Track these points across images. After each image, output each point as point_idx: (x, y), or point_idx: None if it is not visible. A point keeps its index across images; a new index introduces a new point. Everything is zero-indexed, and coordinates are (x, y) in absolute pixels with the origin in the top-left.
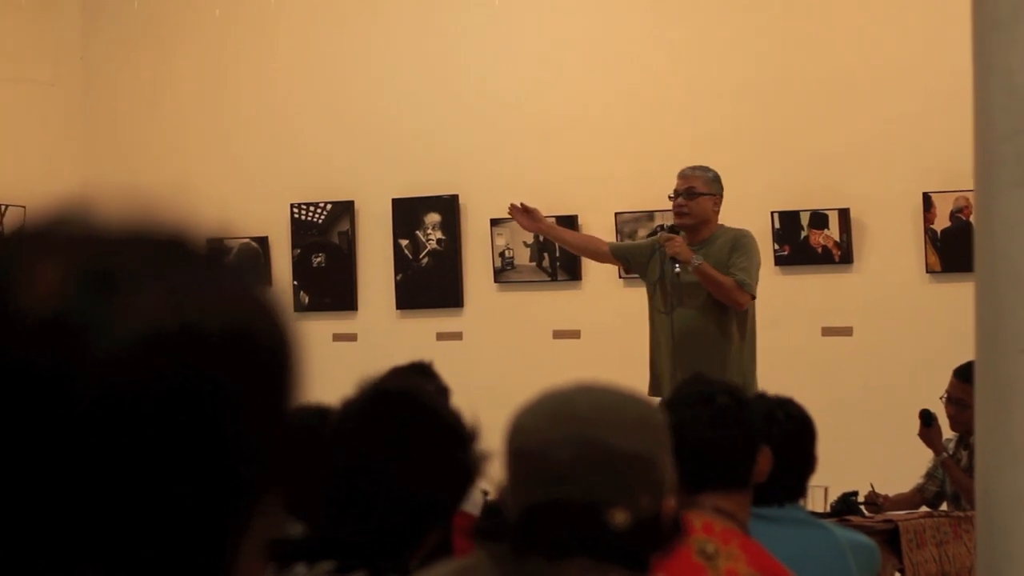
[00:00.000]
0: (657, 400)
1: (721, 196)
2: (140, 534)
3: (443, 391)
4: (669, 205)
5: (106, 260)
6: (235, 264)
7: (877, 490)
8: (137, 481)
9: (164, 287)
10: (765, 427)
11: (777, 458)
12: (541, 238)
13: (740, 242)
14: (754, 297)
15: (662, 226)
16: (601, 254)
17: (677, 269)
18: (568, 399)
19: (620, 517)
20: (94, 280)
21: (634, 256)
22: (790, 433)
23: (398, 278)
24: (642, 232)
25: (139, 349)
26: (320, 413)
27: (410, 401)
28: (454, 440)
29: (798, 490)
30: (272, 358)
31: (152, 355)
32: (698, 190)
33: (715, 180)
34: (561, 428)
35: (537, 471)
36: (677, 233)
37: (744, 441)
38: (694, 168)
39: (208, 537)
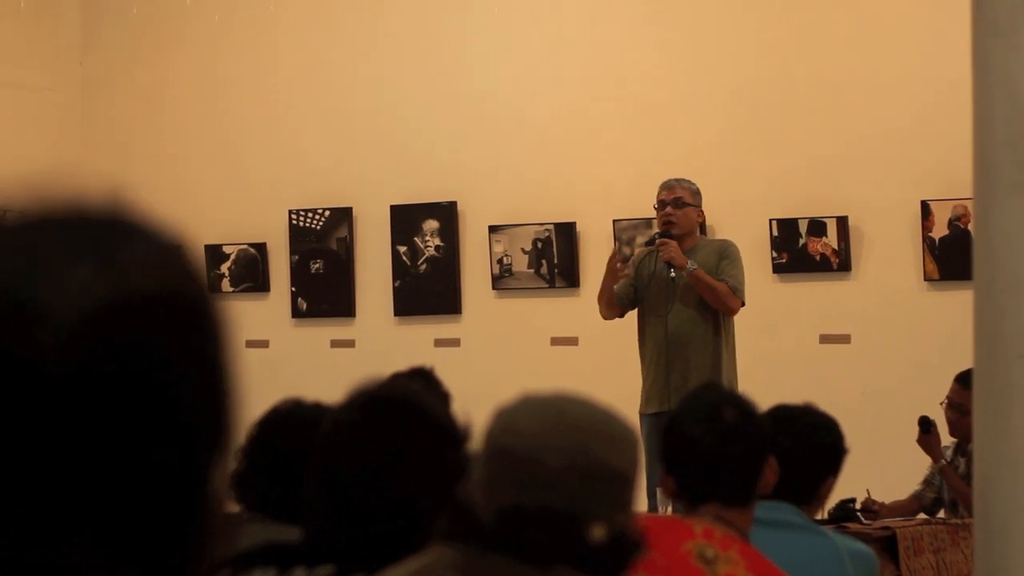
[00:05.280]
0: (643, 415)
1: (702, 209)
2: (118, 500)
3: (444, 397)
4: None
5: (40, 244)
6: (158, 235)
7: (874, 497)
8: (108, 447)
9: (97, 262)
10: (772, 436)
11: (806, 466)
12: (539, 244)
13: (728, 251)
14: (744, 303)
15: (655, 236)
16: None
17: (672, 274)
18: (561, 408)
19: (599, 532)
20: (32, 265)
21: (634, 281)
22: (824, 443)
23: (396, 284)
24: (640, 239)
25: (83, 324)
26: (316, 416)
27: (403, 405)
28: (449, 442)
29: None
30: (201, 315)
31: (96, 328)
32: (685, 200)
33: (698, 193)
34: (556, 436)
35: (525, 474)
36: (671, 239)
37: (751, 458)
38: (679, 180)
39: (177, 489)
